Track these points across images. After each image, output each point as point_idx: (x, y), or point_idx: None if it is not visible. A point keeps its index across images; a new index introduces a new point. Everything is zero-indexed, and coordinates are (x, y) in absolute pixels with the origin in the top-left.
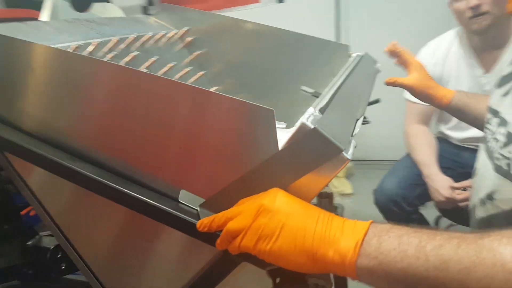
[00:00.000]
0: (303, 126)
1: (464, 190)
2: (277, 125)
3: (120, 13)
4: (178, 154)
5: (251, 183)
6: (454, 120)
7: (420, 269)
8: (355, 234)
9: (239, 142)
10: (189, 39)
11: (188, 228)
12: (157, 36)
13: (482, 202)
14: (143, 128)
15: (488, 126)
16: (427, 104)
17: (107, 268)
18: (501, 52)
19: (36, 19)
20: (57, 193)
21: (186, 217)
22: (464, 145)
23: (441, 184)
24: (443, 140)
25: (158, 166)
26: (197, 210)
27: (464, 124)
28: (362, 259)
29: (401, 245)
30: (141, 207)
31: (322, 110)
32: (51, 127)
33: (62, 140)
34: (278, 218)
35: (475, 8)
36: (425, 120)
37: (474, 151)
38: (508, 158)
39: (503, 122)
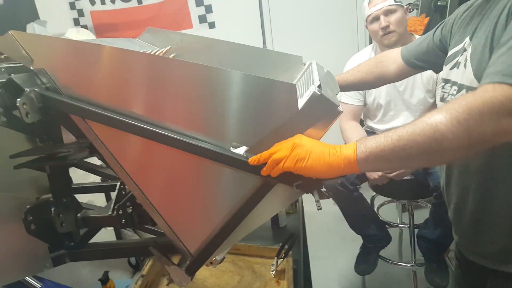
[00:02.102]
0: (314, 94)
1: None
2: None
3: (92, 36)
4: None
5: (281, 133)
6: (378, 116)
7: (390, 145)
8: (349, 148)
9: (271, 107)
10: (172, 55)
11: (241, 165)
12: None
13: None
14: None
15: (443, 90)
16: (356, 104)
17: (171, 206)
18: None
19: None
20: (129, 150)
21: (240, 157)
22: None
23: None
24: (370, 133)
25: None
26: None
27: (386, 118)
28: (358, 155)
29: (376, 139)
30: (208, 154)
31: (319, 86)
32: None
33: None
34: (306, 148)
35: (384, 28)
36: (356, 117)
37: None
38: None
39: (454, 84)
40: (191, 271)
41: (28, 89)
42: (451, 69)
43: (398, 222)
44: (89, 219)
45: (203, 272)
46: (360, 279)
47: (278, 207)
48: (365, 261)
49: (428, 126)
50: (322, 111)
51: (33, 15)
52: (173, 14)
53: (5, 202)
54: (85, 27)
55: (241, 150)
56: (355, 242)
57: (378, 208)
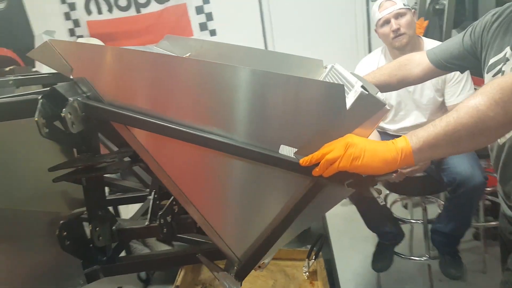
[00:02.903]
0: (362, 93)
1: None
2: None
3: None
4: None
5: (329, 134)
6: (389, 116)
7: (440, 131)
8: (402, 140)
9: (321, 107)
10: None
11: (292, 166)
12: None
13: None
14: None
15: None
16: None
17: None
18: None
19: (9, 57)
20: (175, 156)
21: (290, 159)
22: (398, 134)
23: None
24: (382, 133)
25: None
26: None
27: (396, 118)
28: (413, 146)
29: (425, 129)
30: (258, 157)
31: (362, 86)
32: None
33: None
34: (360, 146)
35: (395, 30)
36: None
37: None
38: None
39: None
40: (241, 276)
41: (71, 99)
42: (494, 76)
43: (410, 218)
44: (125, 231)
45: None
46: (374, 277)
47: (327, 207)
48: (382, 258)
49: (470, 109)
50: (370, 109)
51: (25, 28)
52: (173, 22)
53: (39, 218)
54: (81, 37)
55: (290, 152)
56: (366, 241)
57: (391, 206)
